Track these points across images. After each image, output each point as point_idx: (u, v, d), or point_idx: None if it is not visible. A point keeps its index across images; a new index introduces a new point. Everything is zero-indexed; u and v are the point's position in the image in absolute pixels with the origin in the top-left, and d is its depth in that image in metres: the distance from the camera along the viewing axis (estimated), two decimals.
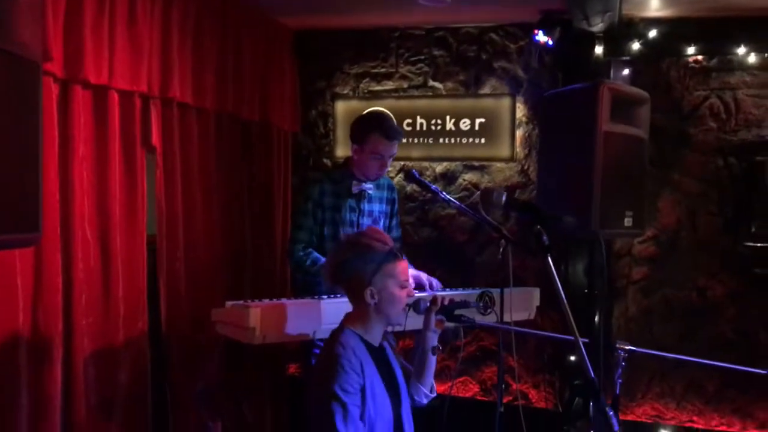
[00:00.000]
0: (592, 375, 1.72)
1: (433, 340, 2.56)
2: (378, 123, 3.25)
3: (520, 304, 3.33)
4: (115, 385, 2.86)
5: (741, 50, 3.68)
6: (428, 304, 2.56)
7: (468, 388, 4.21)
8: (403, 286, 2.37)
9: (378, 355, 2.40)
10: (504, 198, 1.74)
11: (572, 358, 3.88)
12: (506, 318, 3.11)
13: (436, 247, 4.24)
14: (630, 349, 2.48)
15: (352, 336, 2.34)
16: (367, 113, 3.39)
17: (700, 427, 3.83)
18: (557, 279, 1.75)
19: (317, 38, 4.35)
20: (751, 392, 3.77)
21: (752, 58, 3.72)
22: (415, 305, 2.62)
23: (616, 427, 1.70)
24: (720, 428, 3.80)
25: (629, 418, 3.92)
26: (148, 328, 3.04)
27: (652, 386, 3.93)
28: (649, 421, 3.90)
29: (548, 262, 1.70)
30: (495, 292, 3.04)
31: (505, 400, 3.92)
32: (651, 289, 3.93)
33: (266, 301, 2.80)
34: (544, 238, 1.71)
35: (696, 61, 3.84)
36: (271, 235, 4.04)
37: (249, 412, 3.22)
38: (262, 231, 3.95)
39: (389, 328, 2.57)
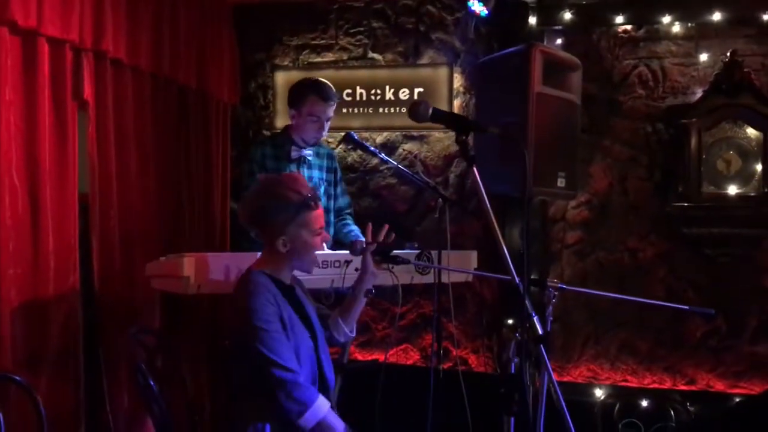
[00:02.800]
0: (531, 311, 1.74)
1: (368, 282, 2.58)
2: (313, 85, 3.35)
3: (458, 266, 3.37)
4: (45, 340, 2.79)
5: (666, 19, 3.83)
6: (365, 245, 2.59)
7: (409, 356, 4.24)
8: (317, 234, 2.38)
9: (289, 293, 2.40)
10: (431, 110, 1.77)
11: (510, 321, 3.96)
12: (444, 279, 3.19)
13: (377, 217, 4.24)
14: (560, 287, 2.53)
15: (261, 275, 2.33)
16: (303, 79, 3.45)
17: (634, 385, 3.93)
18: (485, 195, 1.79)
19: (256, 10, 4.35)
20: (680, 351, 3.91)
21: (677, 28, 3.88)
22: (351, 247, 2.65)
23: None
24: (652, 386, 3.92)
25: (566, 379, 4.01)
26: (80, 286, 2.98)
27: (587, 348, 4.03)
28: (585, 382, 3.99)
29: (474, 172, 1.74)
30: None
31: (446, 367, 3.99)
32: (585, 252, 4.03)
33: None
34: (470, 148, 1.75)
35: (625, 32, 3.98)
36: (209, 202, 3.99)
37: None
38: (200, 198, 3.91)
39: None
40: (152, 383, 2.35)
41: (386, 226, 2.63)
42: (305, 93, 3.32)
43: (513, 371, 1.92)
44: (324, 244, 2.68)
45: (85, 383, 2.98)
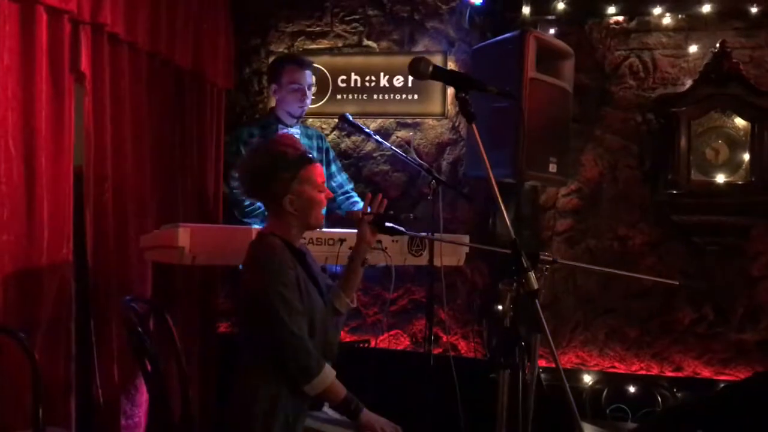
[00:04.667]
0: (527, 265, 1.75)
1: (365, 251, 2.60)
2: (289, 56, 3.61)
3: (450, 250, 3.40)
4: (37, 310, 2.77)
5: (657, 11, 3.89)
6: (361, 216, 2.61)
7: (399, 341, 4.26)
8: (320, 190, 2.40)
9: (301, 258, 2.42)
10: (431, 67, 1.80)
11: (499, 307, 3.98)
12: (436, 263, 3.21)
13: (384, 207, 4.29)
14: (553, 260, 2.56)
15: (276, 238, 2.35)
16: (277, 56, 3.59)
17: (622, 371, 3.97)
18: (482, 148, 1.82)
19: None
20: (668, 338, 3.95)
21: (667, 20, 3.94)
22: (348, 216, 2.68)
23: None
24: (640, 372, 3.95)
25: (554, 365, 4.03)
26: (73, 258, 2.97)
27: (576, 335, 4.07)
28: (573, 368, 4.02)
29: (473, 129, 1.77)
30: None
31: (436, 353, 4.01)
32: (575, 240, 4.07)
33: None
34: (470, 105, 1.78)
35: (617, 23, 4.04)
36: (203, 186, 4.00)
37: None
38: (194, 181, 3.91)
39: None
40: (147, 343, 2.35)
41: (380, 195, 2.65)
42: (282, 64, 3.51)
43: (507, 325, 1.93)
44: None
45: (76, 356, 2.97)
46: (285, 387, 2.21)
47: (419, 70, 1.80)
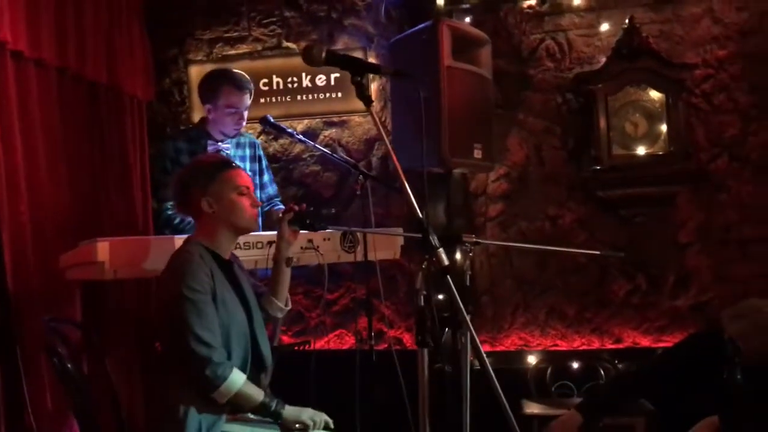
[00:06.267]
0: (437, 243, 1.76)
1: (286, 251, 2.57)
2: (226, 76, 3.28)
3: (385, 244, 3.39)
4: None
5: None
6: (280, 215, 2.58)
7: (344, 341, 4.24)
8: (241, 193, 2.37)
9: (226, 268, 2.39)
10: (324, 52, 1.79)
11: (440, 296, 3.99)
12: (371, 257, 3.20)
13: (303, 205, 4.25)
14: (475, 241, 2.58)
15: (197, 245, 2.32)
16: (212, 71, 3.39)
17: (564, 349, 4.03)
18: (385, 133, 1.82)
19: (166, 5, 4.31)
20: (606, 312, 4.03)
21: (578, 0, 4.02)
22: (268, 216, 2.65)
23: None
24: (581, 348, 4.02)
25: (498, 348, 4.08)
26: None
27: (517, 317, 4.11)
28: (517, 350, 4.06)
29: (372, 112, 1.77)
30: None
31: (380, 348, 3.99)
32: (507, 223, 4.12)
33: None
34: (367, 90, 1.78)
35: (530, 7, 4.11)
36: (130, 201, 3.91)
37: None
38: (118, 196, 3.83)
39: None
40: (69, 366, 2.28)
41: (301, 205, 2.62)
42: (218, 85, 3.21)
43: (422, 303, 1.93)
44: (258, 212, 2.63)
45: (3, 385, 2.87)
46: (198, 394, 2.17)
47: (312, 56, 1.79)
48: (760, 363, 2.21)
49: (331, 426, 2.35)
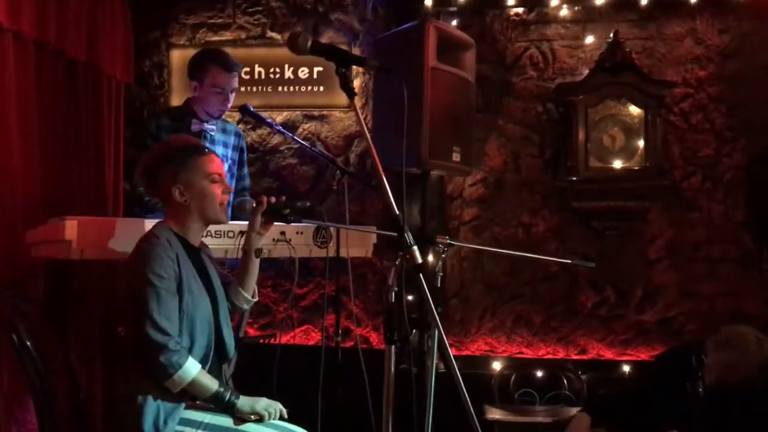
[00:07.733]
0: (411, 241, 1.75)
1: (257, 241, 2.54)
2: (215, 56, 3.25)
3: (358, 241, 3.38)
4: None
5: (554, 2, 3.99)
6: (254, 205, 2.55)
7: (311, 337, 4.21)
8: (213, 181, 2.33)
9: (195, 255, 2.35)
10: (310, 41, 1.77)
11: (410, 297, 3.99)
12: (343, 254, 3.19)
13: (278, 198, 4.22)
14: (449, 243, 2.58)
15: (165, 230, 2.28)
16: (204, 49, 3.36)
17: (529, 356, 4.05)
18: (366, 130, 1.81)
19: None
20: (572, 322, 4.05)
21: (564, 11, 4.05)
22: (240, 207, 2.61)
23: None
24: (546, 356, 4.04)
25: (464, 353, 4.08)
26: None
27: (484, 322, 4.12)
28: (482, 355, 4.07)
29: (354, 105, 1.76)
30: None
31: (346, 346, 3.98)
32: (481, 228, 4.13)
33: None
34: (351, 82, 1.76)
35: (517, 15, 4.13)
36: (101, 182, 3.85)
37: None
38: (90, 176, 3.76)
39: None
40: (29, 344, 2.23)
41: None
42: (206, 64, 3.20)
43: (392, 300, 1.92)
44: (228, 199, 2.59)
45: None
46: (157, 387, 2.14)
47: (298, 44, 1.77)
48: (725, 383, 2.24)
49: (285, 416, 2.32)
